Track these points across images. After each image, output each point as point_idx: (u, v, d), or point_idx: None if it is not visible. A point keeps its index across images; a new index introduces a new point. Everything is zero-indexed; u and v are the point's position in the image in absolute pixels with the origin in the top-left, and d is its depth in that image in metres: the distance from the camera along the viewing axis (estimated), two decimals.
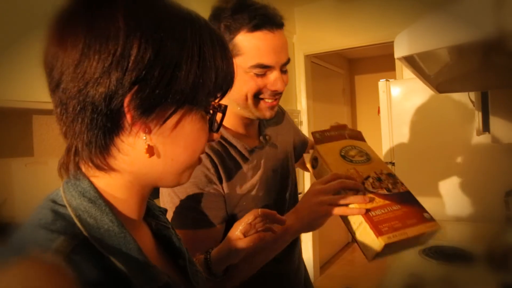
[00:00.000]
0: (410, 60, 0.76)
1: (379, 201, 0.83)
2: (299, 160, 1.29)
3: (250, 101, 0.91)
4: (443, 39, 0.60)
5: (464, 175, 1.97)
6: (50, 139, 1.98)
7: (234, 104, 0.93)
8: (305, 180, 3.48)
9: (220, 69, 0.49)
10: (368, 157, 0.97)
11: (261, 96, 0.92)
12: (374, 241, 0.75)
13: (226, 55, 0.50)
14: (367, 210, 0.79)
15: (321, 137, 1.02)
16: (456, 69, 1.09)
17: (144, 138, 0.45)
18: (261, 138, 1.06)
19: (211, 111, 0.52)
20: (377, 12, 2.97)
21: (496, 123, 1.57)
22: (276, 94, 0.93)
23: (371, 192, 0.83)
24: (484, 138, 1.85)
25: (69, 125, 0.45)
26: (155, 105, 0.44)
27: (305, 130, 3.51)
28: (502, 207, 1.69)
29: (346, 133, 1.06)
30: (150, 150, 0.46)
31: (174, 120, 0.47)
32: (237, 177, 0.94)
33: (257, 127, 1.08)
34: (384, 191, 0.85)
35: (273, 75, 0.89)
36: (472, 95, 1.79)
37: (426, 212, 0.83)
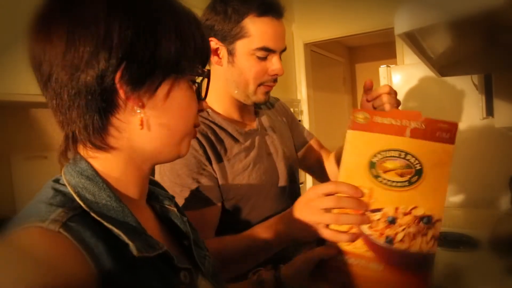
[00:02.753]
0: (411, 38, 0.73)
1: (360, 248, 0.63)
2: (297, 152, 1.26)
3: (251, 85, 0.94)
4: (446, 11, 0.58)
5: (467, 161, 1.94)
6: (49, 133, 1.96)
7: (233, 87, 0.96)
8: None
9: (197, 39, 0.52)
10: (412, 181, 0.62)
11: (260, 81, 0.95)
12: None
13: (199, 27, 0.53)
14: (340, 252, 0.63)
15: (365, 120, 0.67)
16: (460, 49, 1.06)
17: (139, 111, 0.48)
18: (256, 122, 1.07)
19: (196, 78, 0.54)
20: None
21: (500, 107, 1.54)
22: (275, 80, 0.97)
23: (364, 234, 0.61)
24: (487, 122, 1.82)
25: (66, 113, 0.47)
26: (144, 77, 0.47)
27: (305, 119, 3.48)
28: (507, 192, 1.67)
29: (413, 127, 0.65)
30: (146, 124, 0.49)
31: (164, 91, 0.50)
32: (228, 159, 0.95)
33: (253, 113, 1.10)
34: (381, 240, 0.61)
35: (275, 60, 0.93)
36: (475, 78, 1.76)
37: None
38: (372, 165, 0.62)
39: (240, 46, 0.91)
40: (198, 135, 0.92)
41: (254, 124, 1.07)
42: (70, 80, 0.45)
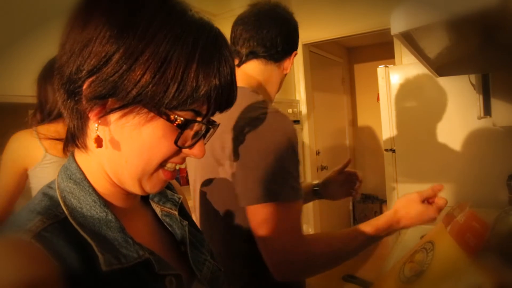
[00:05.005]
0: (407, 38, 0.73)
1: None
2: None
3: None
4: (441, 12, 0.58)
5: (465, 160, 1.95)
6: None
7: (277, 89, 1.06)
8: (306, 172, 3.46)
9: (191, 83, 0.45)
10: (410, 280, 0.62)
11: None
12: None
13: (215, 70, 0.47)
14: None
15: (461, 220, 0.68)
16: (456, 49, 1.06)
17: (96, 126, 0.47)
18: None
19: (176, 123, 0.47)
20: None
21: (497, 106, 1.55)
22: None
23: None
24: (485, 122, 1.82)
25: (65, 113, 0.50)
26: (103, 96, 0.45)
27: (304, 120, 3.48)
28: (505, 191, 1.67)
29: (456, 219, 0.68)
30: (98, 141, 0.48)
31: (127, 120, 0.47)
32: None
33: None
34: None
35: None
36: (473, 78, 1.76)
37: None
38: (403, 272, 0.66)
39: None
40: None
41: None
42: (60, 84, 0.48)
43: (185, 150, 0.51)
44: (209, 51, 0.46)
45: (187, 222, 0.65)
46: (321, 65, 4.02)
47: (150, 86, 0.44)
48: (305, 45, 3.46)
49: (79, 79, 0.45)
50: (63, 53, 0.47)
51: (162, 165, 0.50)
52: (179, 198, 0.67)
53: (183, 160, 0.52)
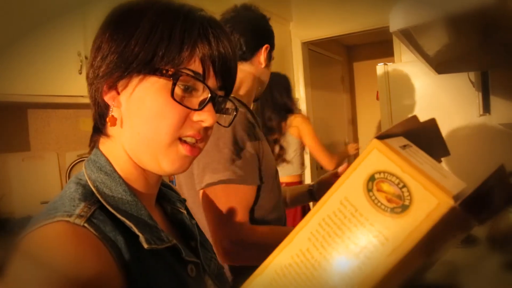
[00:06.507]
0: (406, 35, 0.73)
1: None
2: None
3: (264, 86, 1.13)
4: (439, 9, 0.58)
5: (465, 157, 1.95)
6: (46, 133, 1.96)
7: (257, 85, 1.10)
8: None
9: (177, 42, 0.50)
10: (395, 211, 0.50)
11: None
12: None
13: (203, 30, 0.52)
14: None
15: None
16: (455, 47, 1.06)
17: (111, 109, 0.53)
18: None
19: (168, 73, 0.51)
20: None
21: (496, 103, 1.55)
22: None
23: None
24: (484, 119, 1.82)
25: (91, 107, 0.55)
26: (111, 72, 0.51)
27: None
28: None
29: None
30: (111, 120, 0.52)
31: (130, 90, 0.51)
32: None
33: None
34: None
35: None
36: (472, 75, 1.77)
37: None
38: (372, 178, 0.56)
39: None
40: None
41: None
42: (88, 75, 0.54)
43: (195, 117, 0.52)
44: (193, 18, 0.53)
45: (195, 221, 0.69)
46: (320, 63, 4.02)
47: (142, 53, 0.49)
48: (304, 43, 3.46)
49: (96, 70, 0.52)
50: (88, 65, 0.54)
51: (179, 139, 0.52)
52: (184, 200, 0.71)
53: (198, 132, 0.53)
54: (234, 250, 0.89)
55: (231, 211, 0.89)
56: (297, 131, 2.33)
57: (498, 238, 1.29)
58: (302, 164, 2.51)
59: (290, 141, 2.34)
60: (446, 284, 1.07)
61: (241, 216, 0.90)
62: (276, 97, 2.26)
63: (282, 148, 2.26)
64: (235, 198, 0.90)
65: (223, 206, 0.89)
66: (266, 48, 1.09)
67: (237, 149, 0.91)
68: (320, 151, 2.33)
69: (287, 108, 2.30)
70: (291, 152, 2.34)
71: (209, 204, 0.90)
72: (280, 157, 2.24)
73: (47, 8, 1.55)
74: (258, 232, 0.92)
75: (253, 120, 1.02)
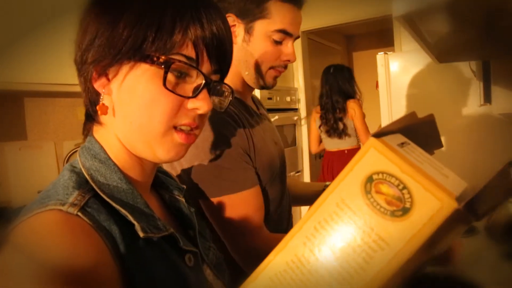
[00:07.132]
0: (409, 21, 0.72)
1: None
2: None
3: (262, 67, 0.95)
4: None
5: (465, 147, 1.94)
6: (43, 122, 1.95)
7: (244, 68, 0.96)
8: (304, 161, 3.46)
9: (168, 26, 0.48)
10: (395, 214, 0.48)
11: (272, 65, 0.96)
12: None
13: (196, 14, 0.50)
14: None
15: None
16: (458, 35, 1.05)
17: (101, 97, 0.51)
18: (260, 109, 1.09)
19: (159, 61, 0.49)
20: None
21: (498, 93, 1.54)
22: (285, 66, 0.98)
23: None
24: (485, 109, 1.81)
25: (83, 95, 0.54)
26: (100, 59, 0.49)
27: (302, 107, 3.47)
28: None
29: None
30: (102, 108, 0.51)
31: (121, 77, 0.50)
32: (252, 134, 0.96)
33: (252, 101, 1.09)
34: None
35: (290, 45, 0.94)
36: (473, 65, 1.75)
37: None
38: (369, 179, 0.54)
39: (259, 26, 0.92)
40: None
41: (258, 111, 1.06)
42: (77, 60, 0.52)
43: (189, 105, 0.51)
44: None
45: (194, 209, 0.67)
46: (319, 52, 3.99)
47: (131, 38, 0.47)
48: (304, 33, 3.43)
49: (84, 54, 0.50)
50: (76, 48, 0.52)
51: (174, 127, 0.51)
52: (183, 188, 0.69)
53: (193, 120, 0.52)
54: (253, 261, 0.85)
55: (242, 220, 0.85)
56: (352, 112, 2.90)
57: (497, 228, 1.29)
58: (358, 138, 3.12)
59: (349, 120, 2.95)
60: (444, 274, 1.07)
61: (256, 221, 0.86)
62: (340, 85, 2.93)
63: (345, 125, 2.93)
64: (243, 206, 0.86)
65: (234, 217, 0.84)
66: None
67: (222, 155, 0.85)
68: (364, 133, 2.89)
69: (349, 93, 2.95)
70: (350, 129, 2.95)
71: (217, 218, 0.86)
72: (344, 132, 2.95)
73: (48, 7, 1.53)
74: (275, 239, 0.89)
75: (238, 108, 0.94)
